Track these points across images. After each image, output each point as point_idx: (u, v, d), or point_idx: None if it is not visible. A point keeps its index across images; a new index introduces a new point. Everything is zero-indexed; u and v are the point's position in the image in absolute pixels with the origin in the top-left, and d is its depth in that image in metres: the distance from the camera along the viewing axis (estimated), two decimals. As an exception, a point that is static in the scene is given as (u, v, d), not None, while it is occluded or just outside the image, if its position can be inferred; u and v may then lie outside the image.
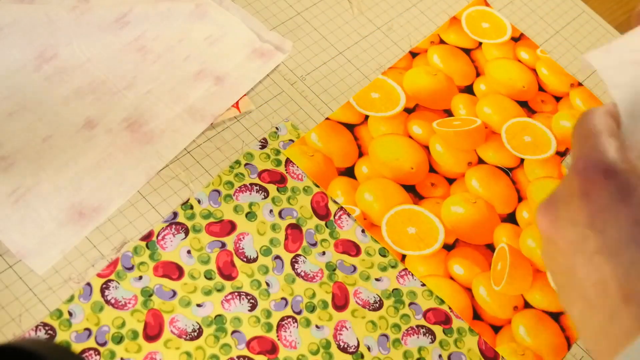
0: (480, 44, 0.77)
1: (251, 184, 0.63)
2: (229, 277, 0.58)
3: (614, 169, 0.34)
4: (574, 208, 0.35)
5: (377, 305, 0.60)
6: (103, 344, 0.53)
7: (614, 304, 0.33)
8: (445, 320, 0.60)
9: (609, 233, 0.33)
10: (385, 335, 0.58)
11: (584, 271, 0.34)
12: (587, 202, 0.34)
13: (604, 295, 0.34)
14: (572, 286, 0.36)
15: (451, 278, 0.62)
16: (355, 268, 0.61)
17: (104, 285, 0.56)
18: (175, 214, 0.60)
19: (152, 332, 0.55)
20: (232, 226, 0.60)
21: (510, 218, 0.66)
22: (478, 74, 0.75)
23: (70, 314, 0.54)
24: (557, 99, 0.75)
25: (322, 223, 0.62)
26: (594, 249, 0.34)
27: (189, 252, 0.58)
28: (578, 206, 0.34)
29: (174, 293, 0.56)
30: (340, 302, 0.59)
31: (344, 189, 0.64)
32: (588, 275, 0.34)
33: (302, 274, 0.60)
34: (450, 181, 0.67)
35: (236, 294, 0.57)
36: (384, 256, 0.62)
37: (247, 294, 0.58)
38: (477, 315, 0.61)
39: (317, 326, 0.58)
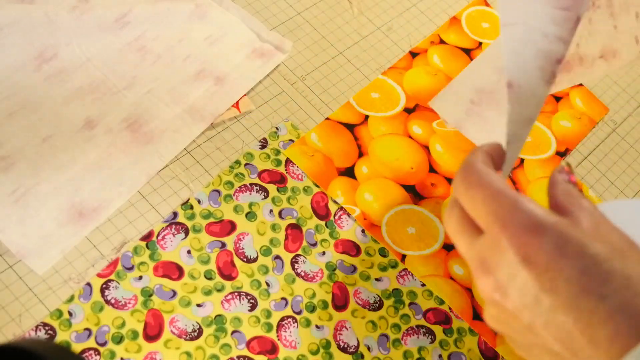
0: (480, 44, 0.77)
1: (251, 184, 0.63)
2: (229, 277, 0.58)
3: (543, 226, 0.34)
4: (516, 273, 0.34)
5: (377, 305, 0.60)
6: (103, 344, 0.53)
7: (586, 352, 0.33)
8: (445, 320, 0.60)
9: (560, 290, 0.33)
10: (385, 335, 0.58)
11: (545, 330, 0.34)
12: (529, 266, 0.34)
13: (572, 347, 0.34)
14: (534, 344, 0.36)
15: (451, 278, 0.62)
16: (355, 268, 0.61)
17: (104, 285, 0.56)
18: (175, 214, 0.60)
19: (152, 332, 0.55)
20: (232, 226, 0.60)
21: (510, 218, 0.66)
22: (478, 74, 0.75)
23: (70, 314, 0.54)
24: (557, 99, 0.75)
25: (322, 223, 0.62)
26: (550, 308, 0.34)
27: (189, 252, 0.58)
28: (521, 271, 0.34)
29: (174, 293, 0.56)
30: (340, 302, 0.59)
31: (344, 189, 0.64)
32: (550, 332, 0.34)
33: (302, 274, 0.60)
34: (450, 181, 0.67)
35: (236, 294, 0.57)
36: (384, 256, 0.62)
37: (247, 294, 0.58)
38: (477, 316, 0.61)
39: (317, 326, 0.58)
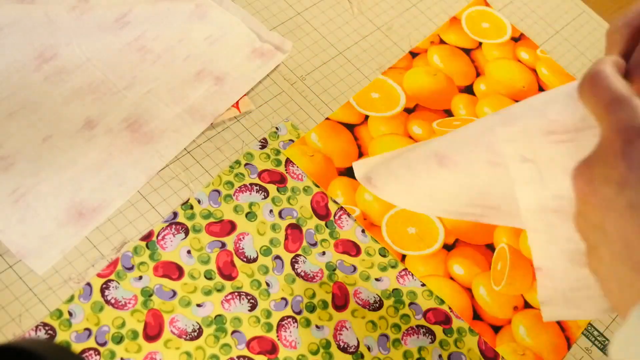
0: (480, 44, 0.77)
1: (251, 184, 0.63)
2: (229, 277, 0.58)
3: None
4: (609, 165, 0.36)
5: (377, 305, 0.60)
6: (103, 344, 0.53)
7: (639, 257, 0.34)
8: (445, 320, 0.60)
9: None
10: (385, 335, 0.58)
11: (613, 225, 0.36)
12: (623, 160, 0.35)
13: (630, 248, 0.35)
14: (601, 241, 0.37)
15: (451, 278, 0.62)
16: (355, 268, 0.61)
17: (104, 285, 0.56)
18: (175, 214, 0.60)
19: (152, 332, 0.55)
20: (232, 226, 0.60)
21: (510, 218, 0.66)
22: (478, 74, 0.75)
23: (70, 314, 0.54)
24: (557, 99, 0.75)
25: (322, 223, 0.62)
26: (626, 203, 0.35)
27: (189, 252, 0.58)
28: (614, 163, 0.35)
29: (174, 293, 0.56)
30: (340, 302, 0.59)
31: (344, 189, 0.64)
32: (617, 229, 0.35)
33: (302, 274, 0.60)
34: (450, 181, 0.67)
35: (236, 294, 0.57)
36: (384, 256, 0.62)
37: (247, 294, 0.58)
38: (477, 315, 0.61)
39: (317, 326, 0.58)
